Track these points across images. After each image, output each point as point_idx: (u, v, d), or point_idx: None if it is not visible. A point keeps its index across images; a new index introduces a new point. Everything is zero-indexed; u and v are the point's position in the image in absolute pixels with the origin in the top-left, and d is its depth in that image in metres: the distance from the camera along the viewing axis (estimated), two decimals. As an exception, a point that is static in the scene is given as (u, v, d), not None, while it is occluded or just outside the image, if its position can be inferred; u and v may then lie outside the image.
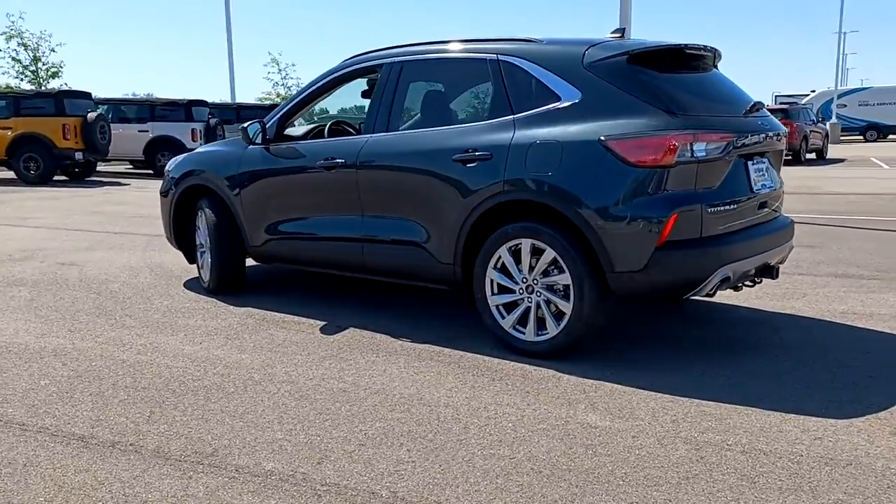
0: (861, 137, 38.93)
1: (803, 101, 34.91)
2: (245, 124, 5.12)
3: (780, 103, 30.13)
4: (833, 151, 25.69)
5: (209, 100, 21.33)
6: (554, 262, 3.79)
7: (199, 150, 5.77)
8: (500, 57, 4.10)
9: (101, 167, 19.92)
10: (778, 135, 4.16)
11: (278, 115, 5.08)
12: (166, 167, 5.98)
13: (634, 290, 3.66)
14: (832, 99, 38.12)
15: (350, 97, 5.56)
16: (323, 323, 4.68)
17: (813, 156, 22.87)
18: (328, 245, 4.77)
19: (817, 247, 7.15)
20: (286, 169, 4.94)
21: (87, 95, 17.52)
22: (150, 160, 19.17)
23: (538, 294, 3.88)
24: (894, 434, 2.95)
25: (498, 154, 3.91)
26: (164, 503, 2.52)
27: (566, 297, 3.79)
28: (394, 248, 4.42)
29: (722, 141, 3.66)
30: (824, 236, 7.84)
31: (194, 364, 3.93)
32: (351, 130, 5.51)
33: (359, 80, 5.06)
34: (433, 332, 4.44)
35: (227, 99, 26.85)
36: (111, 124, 17.96)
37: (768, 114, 4.27)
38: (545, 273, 3.85)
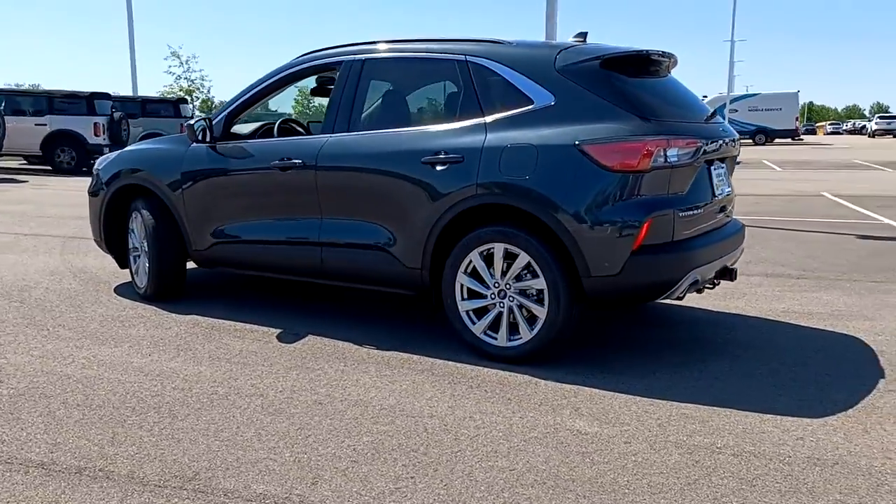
0: (751, 141, 41.08)
1: (701, 105, 36.40)
2: (190, 121, 4.85)
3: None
4: (731, 153, 26.88)
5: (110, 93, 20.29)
6: (527, 266, 3.76)
7: (134, 147, 5.43)
8: (469, 58, 4.03)
9: (-8, 162, 18.65)
10: (734, 141, 4.27)
11: (225, 113, 4.85)
12: (95, 165, 5.61)
13: (609, 295, 3.68)
14: (725, 104, 40.02)
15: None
16: (278, 331, 4.50)
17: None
18: (283, 249, 4.58)
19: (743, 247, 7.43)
20: (236, 169, 4.71)
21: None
22: (49, 156, 18.08)
23: (511, 299, 3.84)
24: (867, 432, 3.07)
25: (470, 157, 3.84)
26: (154, 535, 2.33)
27: (540, 302, 3.76)
28: (356, 252, 4.29)
29: (691, 147, 3.72)
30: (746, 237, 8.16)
31: (149, 378, 3.69)
32: (300, 130, 5.33)
33: (311, 77, 4.88)
34: (397, 338, 4.33)
35: (123, 92, 25.63)
36: (5, 117, 16.82)
37: (723, 120, 4.39)
38: (518, 278, 3.81)
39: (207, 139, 4.81)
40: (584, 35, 4.31)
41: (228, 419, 3.19)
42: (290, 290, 5.54)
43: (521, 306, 3.82)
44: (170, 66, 45.00)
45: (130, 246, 5.34)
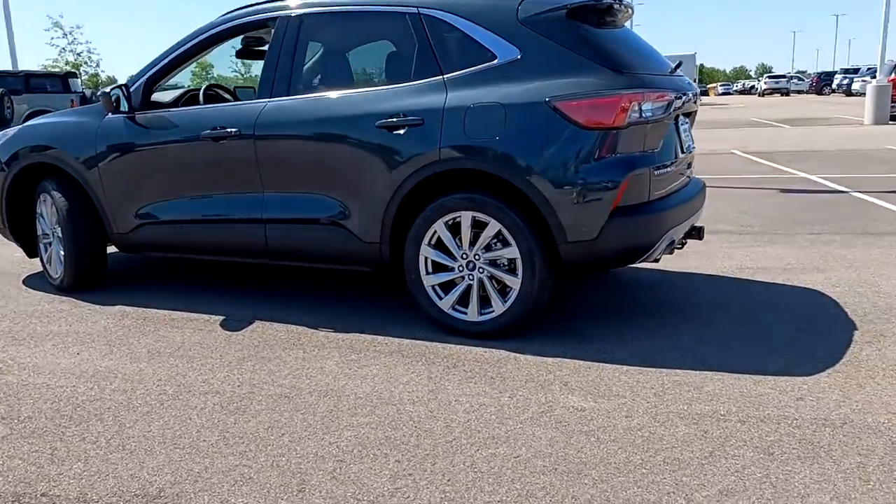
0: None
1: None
2: (106, 89, 4.33)
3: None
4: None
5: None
6: (498, 235, 3.52)
7: (37, 122, 4.84)
8: (422, 10, 3.70)
9: None
10: (696, 95, 4.13)
11: (144, 79, 4.34)
12: (-8, 144, 4.98)
13: (586, 261, 3.48)
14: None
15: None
16: (220, 317, 4.10)
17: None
18: (221, 228, 4.17)
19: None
20: (161, 141, 4.24)
21: None
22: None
23: (480, 270, 3.59)
24: (861, 387, 3.00)
25: (431, 119, 3.54)
26: (124, 570, 1.98)
27: (512, 272, 3.53)
28: (305, 229, 3.93)
29: (664, 101, 3.54)
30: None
31: (82, 381, 3.26)
32: (228, 97, 4.87)
33: (239, 36, 4.44)
34: (355, 318, 4.02)
35: (1, 66, 23.74)
36: None
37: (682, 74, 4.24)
38: (488, 247, 3.57)
39: (125, 109, 4.31)
40: None
41: (185, 422, 2.82)
42: (225, 272, 5.11)
43: (491, 278, 3.58)
44: (52, 38, 42.08)
45: (40, 232, 4.79)
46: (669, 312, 4.03)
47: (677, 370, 3.21)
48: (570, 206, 3.36)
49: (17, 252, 5.69)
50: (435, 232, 3.63)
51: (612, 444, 2.58)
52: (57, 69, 31.33)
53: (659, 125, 3.54)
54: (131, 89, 4.31)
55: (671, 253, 4.02)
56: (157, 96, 4.52)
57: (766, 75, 64.62)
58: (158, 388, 3.16)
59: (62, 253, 4.57)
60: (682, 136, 3.89)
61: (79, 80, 23.78)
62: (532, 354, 3.43)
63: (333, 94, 3.86)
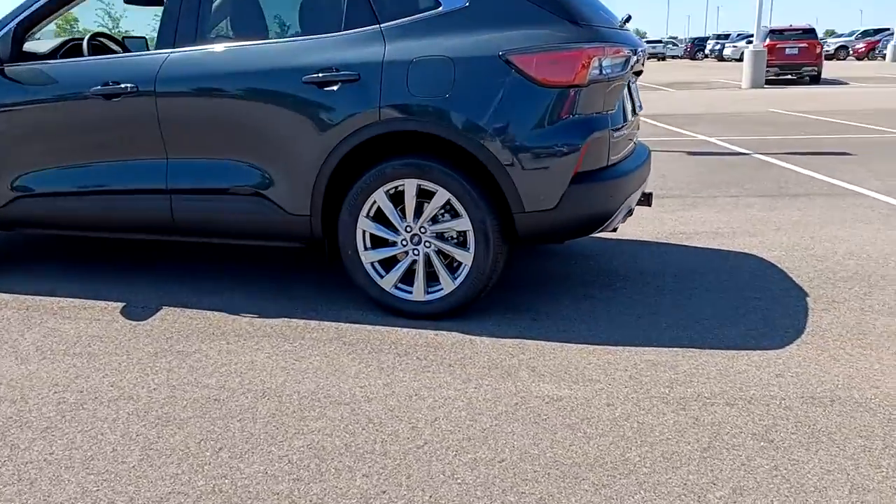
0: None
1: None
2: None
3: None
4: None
5: None
6: (447, 205, 3.17)
7: None
8: (353, -50, 3.24)
9: None
10: (644, 52, 3.89)
11: (12, 25, 3.65)
12: None
13: (544, 233, 3.19)
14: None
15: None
16: (120, 304, 3.56)
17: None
18: (115, 201, 3.59)
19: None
20: (38, 100, 3.59)
21: None
22: None
23: (427, 245, 3.23)
24: (834, 359, 2.88)
25: (368, 74, 3.12)
26: None
27: (462, 246, 3.20)
28: (219, 200, 3.43)
29: (622, 57, 3.27)
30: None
31: (-44, 390, 2.68)
32: (117, 48, 4.22)
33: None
34: (282, 301, 3.58)
35: None
36: None
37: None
38: (435, 219, 3.21)
39: (-8, 61, 3.62)
40: None
41: (96, 440, 2.34)
42: (119, 248, 4.50)
43: (439, 252, 3.23)
44: None
45: None
46: (620, 283, 3.82)
47: (646, 348, 2.99)
48: (528, 173, 3.05)
49: None
50: (374, 202, 3.23)
51: (602, 439, 2.32)
52: None
53: (616, 84, 3.27)
54: (-2, 36, 3.62)
55: (624, 221, 3.80)
56: (31, 46, 3.83)
57: (644, 41, 66.54)
58: (56, 395, 2.64)
59: (-83, 232, 3.85)
60: (634, 95, 3.64)
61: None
62: (488, 336, 3.12)
63: (250, 45, 3.35)
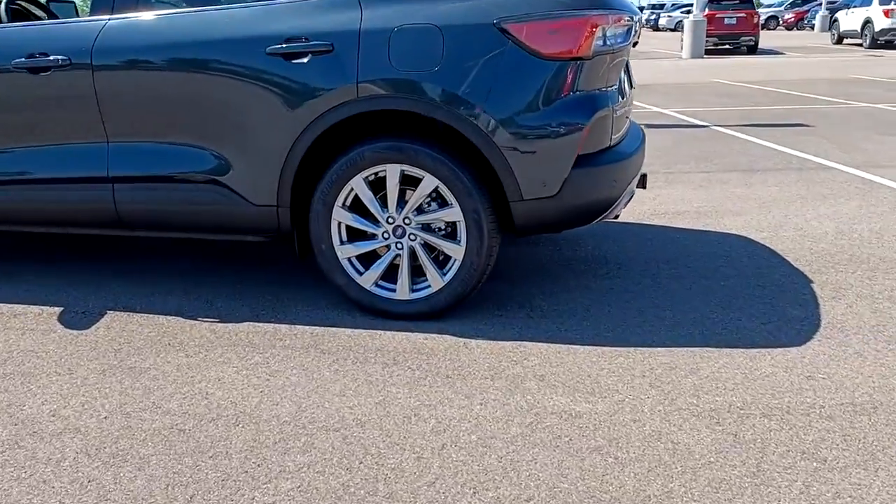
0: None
1: None
2: None
3: None
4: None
5: None
6: (434, 193, 2.81)
7: None
8: None
9: None
10: (641, 22, 3.57)
11: (-87, -15, 3.11)
12: None
13: (544, 222, 2.87)
14: None
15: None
16: (56, 310, 3.11)
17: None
18: (46, 191, 3.12)
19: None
20: (-51, 73, 3.07)
21: None
22: None
23: (412, 237, 2.88)
24: (861, 355, 2.66)
25: (343, 44, 2.72)
26: None
27: (453, 238, 2.86)
28: (170, 189, 3.00)
29: (626, 25, 2.95)
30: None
31: None
32: (41, 14, 3.69)
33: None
34: (243, 302, 3.18)
35: None
36: None
37: None
38: (420, 209, 2.86)
39: None
40: None
41: (38, 489, 1.94)
42: (49, 241, 4.00)
43: (426, 245, 2.89)
44: None
45: None
46: (610, 271, 3.55)
47: (659, 349, 2.72)
48: (527, 157, 2.72)
49: None
50: (351, 190, 2.86)
51: (636, 465, 2.03)
52: None
53: (620, 55, 2.96)
54: None
55: (625, 207, 3.52)
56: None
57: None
58: (-16, 431, 2.21)
59: None
60: (630, 69, 3.33)
61: None
62: (484, 339, 2.80)
63: (205, 10, 2.91)
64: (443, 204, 2.83)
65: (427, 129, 2.82)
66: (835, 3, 32.10)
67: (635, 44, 3.48)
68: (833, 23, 25.07)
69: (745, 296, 3.22)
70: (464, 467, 2.02)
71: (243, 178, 2.92)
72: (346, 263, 2.95)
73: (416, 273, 2.93)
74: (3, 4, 3.51)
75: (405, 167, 2.78)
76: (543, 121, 2.71)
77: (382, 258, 2.92)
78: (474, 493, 1.91)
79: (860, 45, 22.63)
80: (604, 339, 2.80)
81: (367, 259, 2.95)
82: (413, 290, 2.92)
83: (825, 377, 2.50)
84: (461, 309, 3.00)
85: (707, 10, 22.18)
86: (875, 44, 21.47)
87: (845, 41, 23.91)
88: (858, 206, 4.66)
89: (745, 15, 22.29)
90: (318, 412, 2.30)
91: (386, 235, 2.89)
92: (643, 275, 3.50)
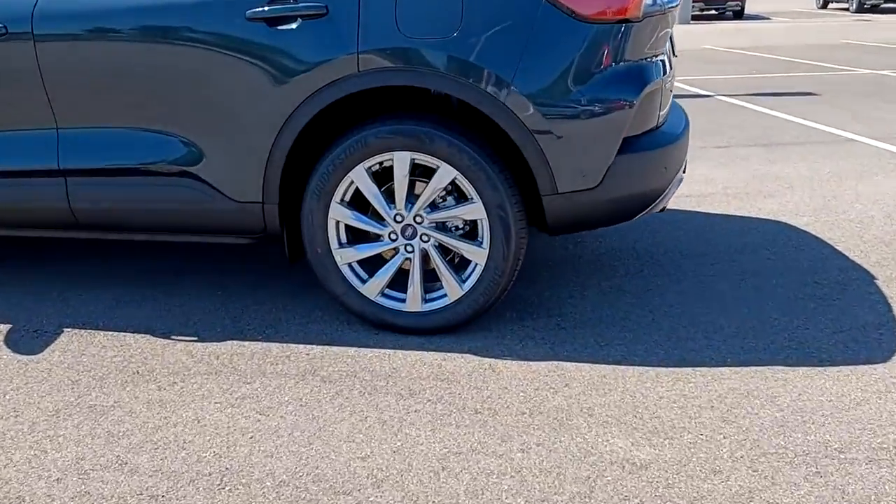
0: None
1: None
2: None
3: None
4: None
5: None
6: (451, 185, 2.35)
7: None
8: None
9: None
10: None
11: None
12: None
13: (581, 218, 2.43)
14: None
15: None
16: (3, 328, 2.62)
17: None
18: (-14, 186, 2.61)
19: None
20: None
21: None
22: None
23: (424, 238, 2.42)
24: (956, 373, 2.26)
25: (340, 6, 2.24)
26: None
27: (473, 239, 2.41)
28: (133, 183, 2.51)
29: (675, -18, 2.48)
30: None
31: None
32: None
33: None
34: (224, 315, 2.71)
35: None
36: None
37: None
38: (434, 205, 2.39)
39: None
40: None
41: None
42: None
43: (440, 247, 2.43)
44: None
45: None
46: (643, 268, 3.12)
47: (722, 369, 2.30)
48: (564, 142, 2.26)
49: None
50: (351, 183, 2.39)
51: (730, 536, 1.61)
52: None
53: (666, 19, 2.49)
54: None
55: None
56: None
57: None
58: None
59: None
60: (672, 39, 2.87)
61: None
62: (513, 359, 2.36)
63: (167, -34, 2.39)
64: (461, 198, 2.37)
65: (442, 109, 2.36)
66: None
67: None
68: (819, -13, 24.66)
69: (804, 297, 2.81)
70: (514, 546, 1.59)
71: (221, 169, 2.44)
72: (345, 269, 2.48)
73: (430, 279, 2.47)
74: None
75: (416, 155, 2.31)
76: (583, 97, 2.25)
77: (389, 263, 2.46)
78: (533, 586, 1.49)
79: (846, 9, 22.27)
80: (654, 356, 2.38)
81: (371, 264, 2.49)
82: (426, 301, 2.47)
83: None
84: (480, 319, 2.56)
85: (694, -25, 21.64)
86: (862, 8, 21.12)
87: (831, 5, 23.54)
88: (897, 184, 4.26)
89: (731, -21, 21.77)
90: (322, 466, 1.85)
91: (393, 236, 2.43)
92: (682, 272, 3.07)
